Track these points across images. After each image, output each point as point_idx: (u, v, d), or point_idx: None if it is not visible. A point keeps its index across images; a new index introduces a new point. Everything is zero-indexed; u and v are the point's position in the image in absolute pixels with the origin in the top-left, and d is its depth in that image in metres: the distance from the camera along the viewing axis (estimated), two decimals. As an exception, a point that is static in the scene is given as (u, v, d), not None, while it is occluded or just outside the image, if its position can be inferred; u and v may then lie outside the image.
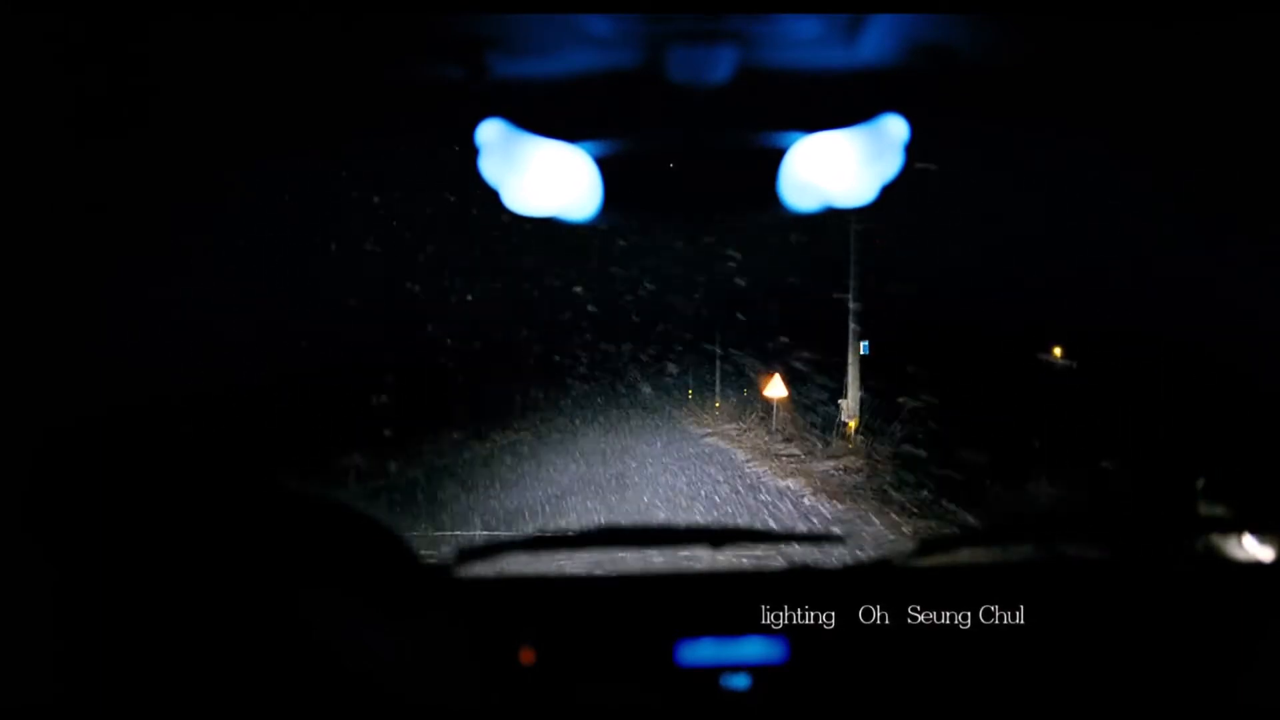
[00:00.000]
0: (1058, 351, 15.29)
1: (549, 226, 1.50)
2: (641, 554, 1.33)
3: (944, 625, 1.17)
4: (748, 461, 12.72)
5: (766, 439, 14.83)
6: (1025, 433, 9.06)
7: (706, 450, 14.35)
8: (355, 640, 1.11)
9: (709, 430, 17.63)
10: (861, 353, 16.41)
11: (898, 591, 1.23)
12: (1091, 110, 1.61)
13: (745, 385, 21.70)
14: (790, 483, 10.44)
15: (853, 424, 13.11)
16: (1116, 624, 1.18)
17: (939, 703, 1.13)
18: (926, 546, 1.30)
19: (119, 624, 1.08)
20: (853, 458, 11.79)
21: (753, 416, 17.40)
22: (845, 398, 13.27)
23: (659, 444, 14.92)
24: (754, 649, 1.14)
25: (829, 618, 1.18)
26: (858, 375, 13.40)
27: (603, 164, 1.42)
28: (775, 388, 15.20)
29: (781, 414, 15.46)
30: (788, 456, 12.70)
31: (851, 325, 13.42)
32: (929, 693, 1.14)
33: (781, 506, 8.94)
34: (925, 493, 8.47)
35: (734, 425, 17.73)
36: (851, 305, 13.36)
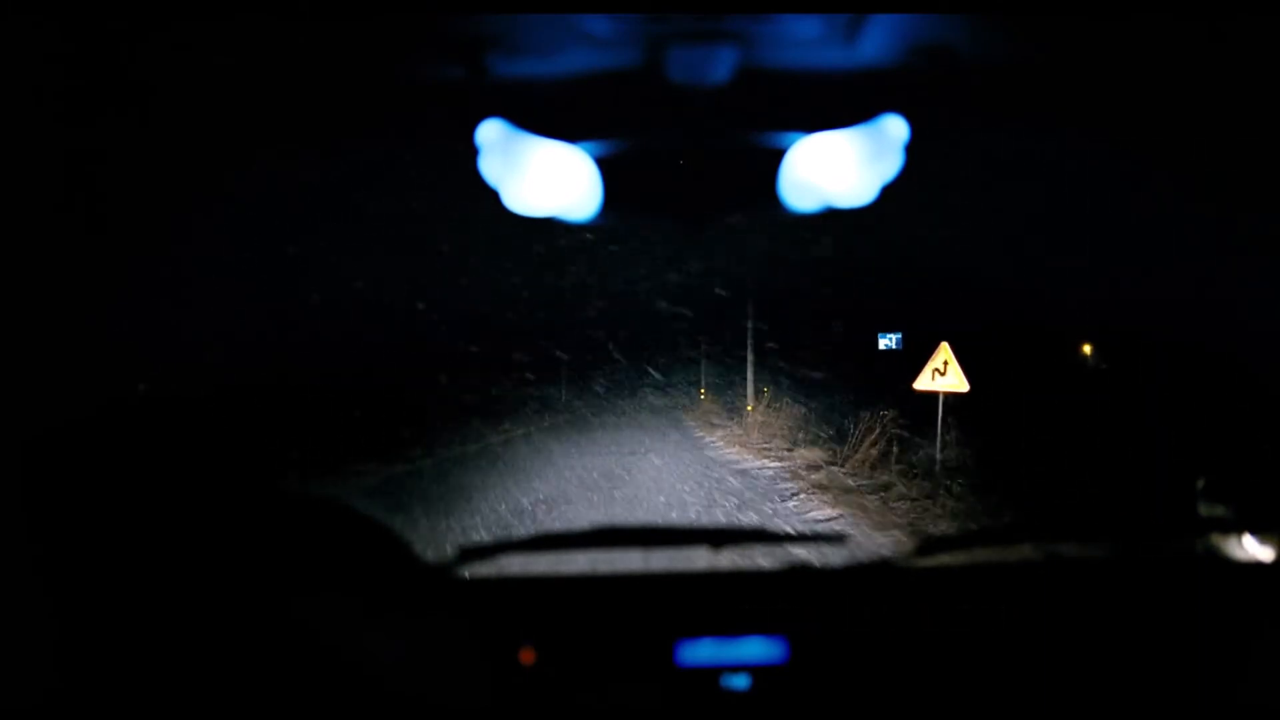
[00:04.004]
0: (1087, 349, 14.44)
1: (550, 226, 1.50)
2: (641, 554, 1.32)
3: (944, 625, 1.17)
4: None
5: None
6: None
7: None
8: (355, 640, 1.11)
9: (770, 462, 9.10)
10: (895, 346, 11.82)
11: (897, 591, 1.23)
12: (1091, 110, 1.61)
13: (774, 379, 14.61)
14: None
15: None
16: (1116, 624, 1.18)
17: (939, 702, 1.13)
18: (926, 546, 1.30)
19: (118, 625, 1.08)
20: None
21: (869, 440, 8.60)
22: None
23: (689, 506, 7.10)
24: (754, 649, 1.14)
25: (829, 617, 1.18)
26: None
27: (603, 164, 1.42)
28: (946, 376, 7.56)
29: (955, 435, 7.73)
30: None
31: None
32: (929, 692, 1.14)
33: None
34: None
35: (818, 454, 9.26)
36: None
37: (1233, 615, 1.18)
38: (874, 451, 8.45)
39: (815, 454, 9.25)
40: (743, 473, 8.55)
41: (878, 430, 8.71)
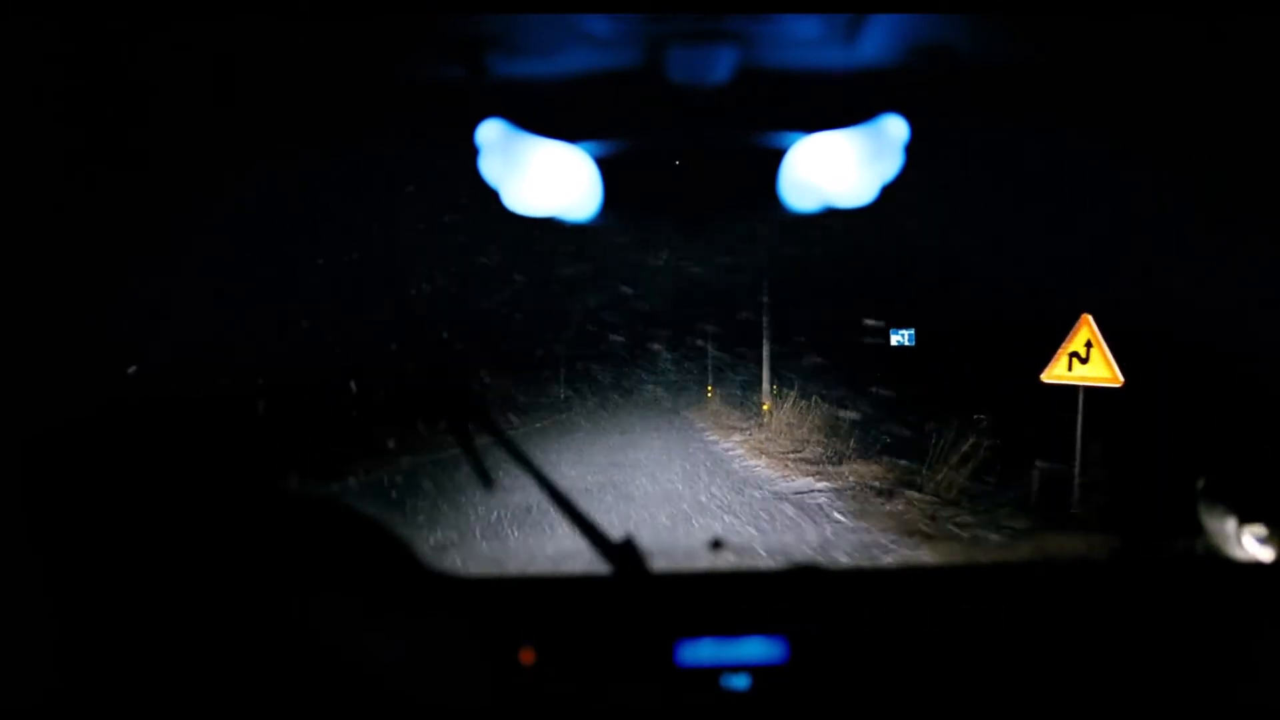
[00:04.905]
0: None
1: (550, 225, 1.50)
2: (642, 554, 1.33)
3: (944, 625, 1.17)
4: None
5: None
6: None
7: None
8: (355, 640, 1.11)
9: (816, 482, 7.04)
10: (908, 341, 11.23)
11: (898, 591, 1.23)
12: (1091, 110, 1.61)
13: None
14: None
15: None
16: (1116, 624, 1.18)
17: (939, 702, 1.13)
18: (926, 546, 1.30)
19: (118, 625, 1.08)
20: None
21: (956, 455, 6.47)
22: None
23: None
24: (754, 649, 1.14)
25: (829, 617, 1.17)
26: None
27: (603, 164, 1.43)
28: (1090, 364, 5.60)
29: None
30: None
31: None
32: (929, 692, 1.14)
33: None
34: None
35: (877, 470, 7.19)
36: None
37: (1233, 615, 1.18)
38: (964, 472, 6.11)
39: (872, 470, 7.11)
40: (781, 496, 6.35)
41: (969, 442, 6.35)
